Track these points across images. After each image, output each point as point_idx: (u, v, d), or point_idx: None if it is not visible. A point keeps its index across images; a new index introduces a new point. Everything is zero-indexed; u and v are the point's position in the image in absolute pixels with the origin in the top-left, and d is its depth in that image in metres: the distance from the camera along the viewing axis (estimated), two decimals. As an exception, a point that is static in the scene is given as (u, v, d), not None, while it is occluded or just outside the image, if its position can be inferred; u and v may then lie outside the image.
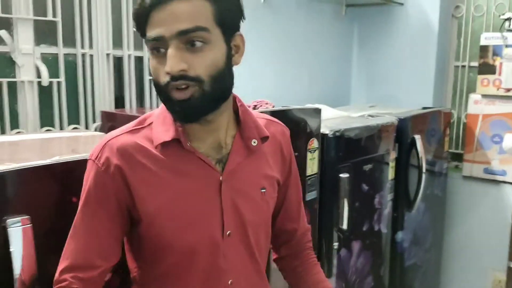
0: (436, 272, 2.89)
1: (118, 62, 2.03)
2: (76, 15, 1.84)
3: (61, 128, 1.83)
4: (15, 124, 1.72)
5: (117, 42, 2.00)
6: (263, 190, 1.01)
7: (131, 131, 0.94)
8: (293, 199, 1.14)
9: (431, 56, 2.84)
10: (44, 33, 1.78)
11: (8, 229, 0.96)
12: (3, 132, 1.69)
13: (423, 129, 2.45)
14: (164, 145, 0.92)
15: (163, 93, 0.87)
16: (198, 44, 0.84)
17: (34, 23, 1.72)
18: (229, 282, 0.98)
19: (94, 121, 1.92)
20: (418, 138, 2.29)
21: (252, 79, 2.32)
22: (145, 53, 2.11)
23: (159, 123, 0.94)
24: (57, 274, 0.91)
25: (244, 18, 0.93)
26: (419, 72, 2.88)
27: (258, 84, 2.35)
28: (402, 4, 2.86)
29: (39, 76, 1.75)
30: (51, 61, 1.80)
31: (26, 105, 1.73)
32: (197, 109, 0.87)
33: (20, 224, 0.97)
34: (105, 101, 1.96)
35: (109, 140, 0.92)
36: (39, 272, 0.99)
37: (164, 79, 0.85)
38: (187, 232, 0.92)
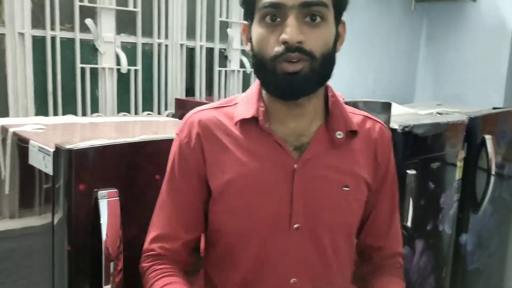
0: (499, 278, 2.79)
1: (190, 53, 2.10)
2: (154, 6, 1.92)
3: (136, 114, 1.92)
4: (95, 108, 1.83)
5: (190, 33, 2.07)
6: (345, 188, 0.91)
7: (216, 108, 0.95)
8: (383, 211, 1.01)
9: (504, 55, 2.74)
10: (124, 22, 1.88)
11: (99, 200, 1.03)
12: (84, 115, 1.80)
13: (493, 130, 2.36)
14: (243, 123, 0.90)
15: (268, 65, 0.83)
16: (317, 19, 0.81)
17: (116, 13, 1.82)
18: (292, 281, 0.90)
19: (166, 109, 2.01)
20: (488, 138, 2.21)
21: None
22: (216, 44, 2.17)
23: (243, 102, 0.93)
24: (146, 243, 0.96)
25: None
26: (490, 72, 2.78)
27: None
28: (474, 0, 2.77)
29: (118, 63, 1.85)
30: (129, 50, 1.89)
31: (106, 91, 1.83)
32: (303, 85, 0.83)
33: (110, 196, 1.03)
34: (177, 90, 2.03)
35: (193, 114, 0.94)
36: (124, 242, 1.06)
37: (275, 49, 0.81)
38: (247, 214, 0.89)
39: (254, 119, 0.89)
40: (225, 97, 2.23)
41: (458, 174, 2.15)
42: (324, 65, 0.84)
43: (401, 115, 2.07)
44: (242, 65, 2.30)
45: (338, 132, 0.91)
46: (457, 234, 2.28)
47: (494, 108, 2.59)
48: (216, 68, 2.19)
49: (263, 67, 0.84)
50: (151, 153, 1.14)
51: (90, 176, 1.04)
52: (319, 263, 0.92)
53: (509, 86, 2.78)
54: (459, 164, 2.15)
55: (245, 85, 2.35)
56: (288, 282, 0.90)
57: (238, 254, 0.91)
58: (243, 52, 2.31)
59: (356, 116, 0.97)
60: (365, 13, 2.57)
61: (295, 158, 0.89)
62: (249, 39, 0.88)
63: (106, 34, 1.80)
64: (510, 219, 2.78)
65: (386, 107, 1.74)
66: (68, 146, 1.01)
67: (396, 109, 2.13)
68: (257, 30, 0.84)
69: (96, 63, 1.81)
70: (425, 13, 2.96)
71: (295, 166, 0.88)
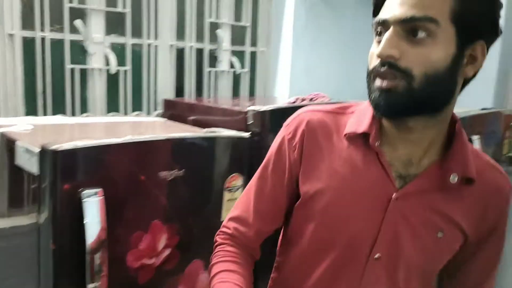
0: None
1: (179, 53, 2.11)
2: (144, 7, 1.93)
3: (125, 114, 1.94)
4: (84, 109, 1.84)
5: (180, 34, 2.09)
6: (439, 235, 0.84)
7: (329, 112, 0.91)
8: (480, 267, 0.93)
9: (494, 56, 2.76)
10: (113, 23, 1.89)
11: (84, 200, 1.04)
12: (74, 115, 1.81)
13: (482, 130, 2.38)
14: (352, 136, 0.86)
15: (368, 80, 0.81)
16: (420, 35, 0.74)
17: (105, 14, 1.83)
18: None
19: (155, 109, 2.02)
20: (476, 139, 2.23)
21: (309, 73, 2.35)
22: (206, 45, 2.19)
23: (357, 115, 0.89)
24: (225, 219, 0.96)
25: (499, 33, 0.80)
26: (479, 72, 2.80)
27: (315, 78, 2.37)
28: (464, 2, 2.80)
29: (107, 64, 1.86)
30: (119, 50, 1.91)
31: (95, 91, 1.84)
32: (396, 104, 0.76)
33: (95, 196, 1.05)
34: (166, 90, 2.05)
35: (305, 112, 0.92)
36: (108, 242, 1.07)
37: (374, 63, 0.78)
38: (331, 227, 0.86)
39: (364, 135, 0.85)
40: (215, 97, 2.25)
41: (445, 174, 2.17)
42: (428, 87, 0.75)
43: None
44: (231, 65, 2.32)
45: (453, 175, 0.82)
46: (445, 234, 2.30)
47: (483, 109, 2.61)
48: (206, 68, 2.20)
49: (367, 82, 0.82)
50: (136, 153, 1.15)
51: (75, 176, 1.05)
52: None
53: (498, 86, 2.80)
54: (447, 164, 2.17)
55: (235, 86, 2.37)
56: None
57: (313, 262, 0.90)
58: (233, 52, 2.33)
59: (479, 159, 0.88)
60: (354, 13, 2.59)
61: (396, 186, 0.83)
62: None
63: (95, 35, 1.81)
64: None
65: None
66: (53, 147, 1.02)
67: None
68: (370, 49, 0.83)
69: (86, 64, 1.82)
70: (415, 14, 2.98)
71: (394, 195, 0.82)
